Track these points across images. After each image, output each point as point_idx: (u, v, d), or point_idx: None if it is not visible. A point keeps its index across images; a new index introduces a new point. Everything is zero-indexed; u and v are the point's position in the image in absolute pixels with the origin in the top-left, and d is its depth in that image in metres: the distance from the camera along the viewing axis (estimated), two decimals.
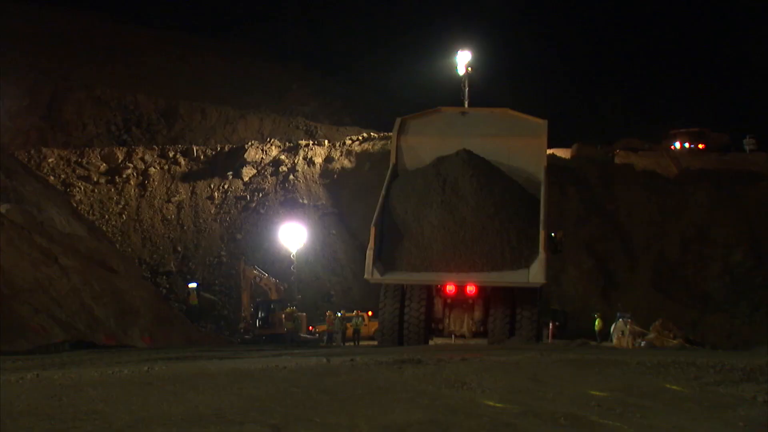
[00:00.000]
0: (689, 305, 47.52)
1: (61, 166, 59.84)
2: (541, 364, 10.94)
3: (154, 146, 63.77)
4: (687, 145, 62.91)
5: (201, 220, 56.86)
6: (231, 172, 59.49)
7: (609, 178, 55.68)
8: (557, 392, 8.24)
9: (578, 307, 45.21)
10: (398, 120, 22.83)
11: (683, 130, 64.03)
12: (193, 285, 48.31)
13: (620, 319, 32.98)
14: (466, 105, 46.92)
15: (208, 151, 62.37)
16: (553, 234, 22.05)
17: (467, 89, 53.86)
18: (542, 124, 22.12)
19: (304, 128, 75.13)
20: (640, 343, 28.99)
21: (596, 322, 38.39)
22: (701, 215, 52.13)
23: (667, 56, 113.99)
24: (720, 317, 46.52)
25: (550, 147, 26.10)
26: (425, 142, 22.47)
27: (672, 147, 62.91)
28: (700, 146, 62.56)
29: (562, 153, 56.96)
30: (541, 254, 18.71)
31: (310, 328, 43.78)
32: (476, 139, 21.85)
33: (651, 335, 29.31)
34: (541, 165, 21.30)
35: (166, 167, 60.22)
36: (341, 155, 60.17)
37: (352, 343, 36.31)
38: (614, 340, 31.96)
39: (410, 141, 22.49)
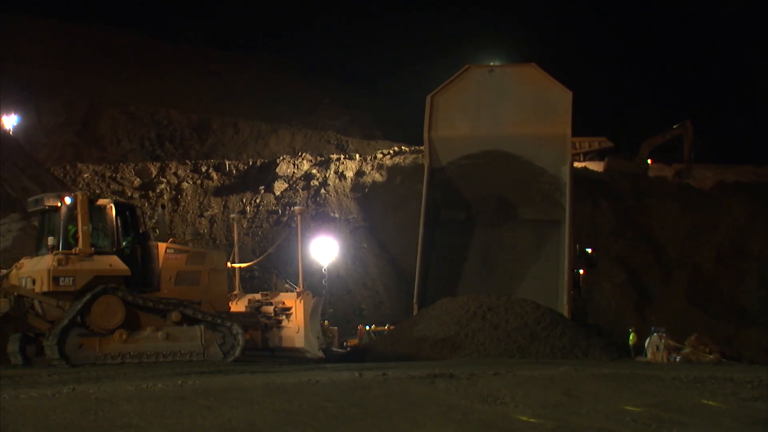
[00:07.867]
0: (724, 319, 46.83)
1: (95, 181, 60.50)
2: (575, 379, 10.84)
3: (187, 161, 64.29)
4: None
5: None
6: (263, 187, 59.73)
7: (642, 191, 55.13)
8: (591, 407, 8.16)
9: (612, 321, 44.72)
10: (428, 99, 23.75)
11: None
12: None
13: (655, 334, 32.57)
14: None
15: (241, 166, 62.73)
16: (589, 250, 22.85)
17: None
18: (567, 97, 22.83)
19: (335, 142, 75.36)
20: (675, 358, 28.64)
21: (631, 337, 37.98)
22: (736, 228, 51.45)
23: (692, 61, 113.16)
24: (756, 332, 45.80)
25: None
26: (456, 137, 23.56)
27: None
28: None
29: (595, 166, 56.51)
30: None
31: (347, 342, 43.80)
32: (504, 129, 22.84)
33: (686, 350, 28.90)
34: (566, 159, 22.08)
35: (198, 182, 60.65)
36: (372, 169, 60.23)
37: None
38: (649, 355, 31.57)
39: (441, 134, 23.66)
